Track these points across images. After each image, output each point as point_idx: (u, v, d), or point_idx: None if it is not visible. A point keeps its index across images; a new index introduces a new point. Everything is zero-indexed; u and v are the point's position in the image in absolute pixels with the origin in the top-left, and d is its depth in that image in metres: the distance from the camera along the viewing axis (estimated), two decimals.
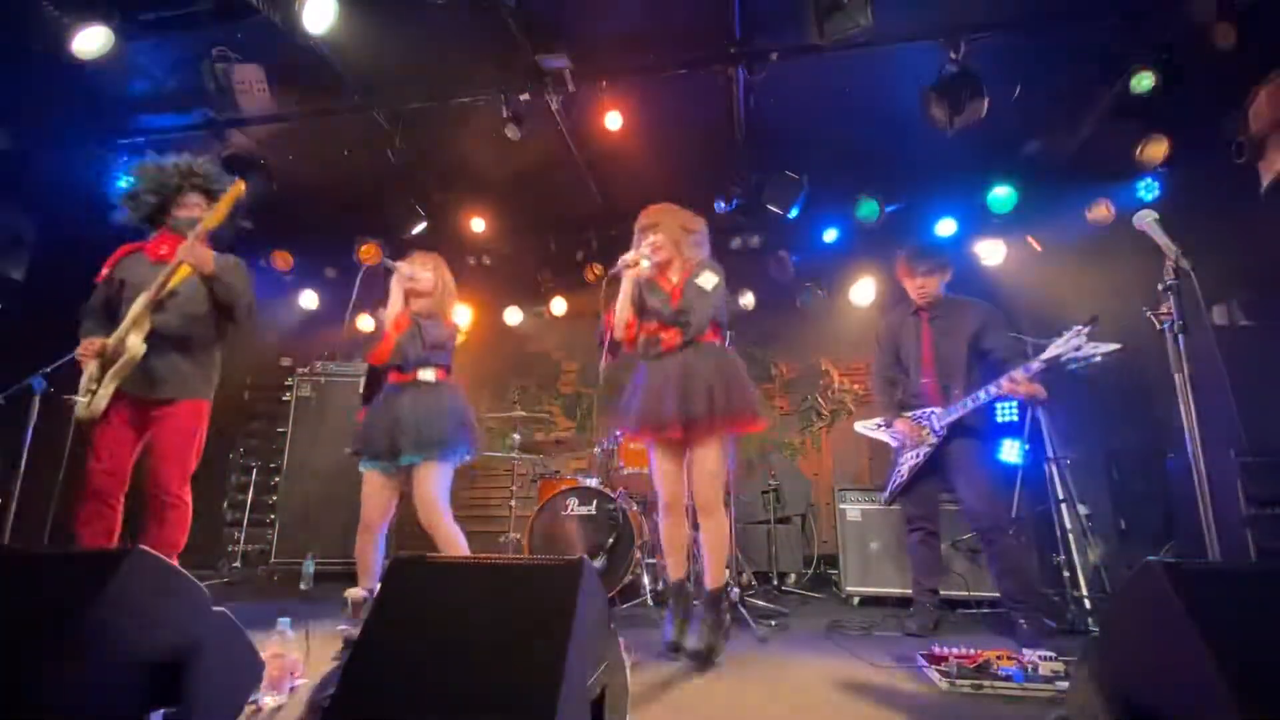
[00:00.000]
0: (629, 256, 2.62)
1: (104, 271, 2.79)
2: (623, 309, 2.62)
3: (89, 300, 2.79)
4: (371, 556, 2.80)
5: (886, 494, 3.37)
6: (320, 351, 5.28)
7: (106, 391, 2.53)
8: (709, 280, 2.62)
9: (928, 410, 3.16)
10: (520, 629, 1.35)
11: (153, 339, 2.58)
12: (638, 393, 2.62)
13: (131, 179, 2.82)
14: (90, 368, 2.59)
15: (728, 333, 3.19)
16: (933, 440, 3.11)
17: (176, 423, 2.65)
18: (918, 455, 3.17)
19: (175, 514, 2.61)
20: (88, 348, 2.60)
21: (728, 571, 3.70)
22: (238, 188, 2.71)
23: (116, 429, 2.59)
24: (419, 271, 2.90)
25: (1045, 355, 2.86)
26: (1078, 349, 2.75)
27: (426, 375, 2.82)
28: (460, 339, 3.01)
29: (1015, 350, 3.13)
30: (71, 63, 3.08)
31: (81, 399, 2.55)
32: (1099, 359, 2.73)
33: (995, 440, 3.34)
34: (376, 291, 3.33)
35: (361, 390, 2.90)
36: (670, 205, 2.77)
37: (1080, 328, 2.76)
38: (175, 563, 2.75)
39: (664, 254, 2.66)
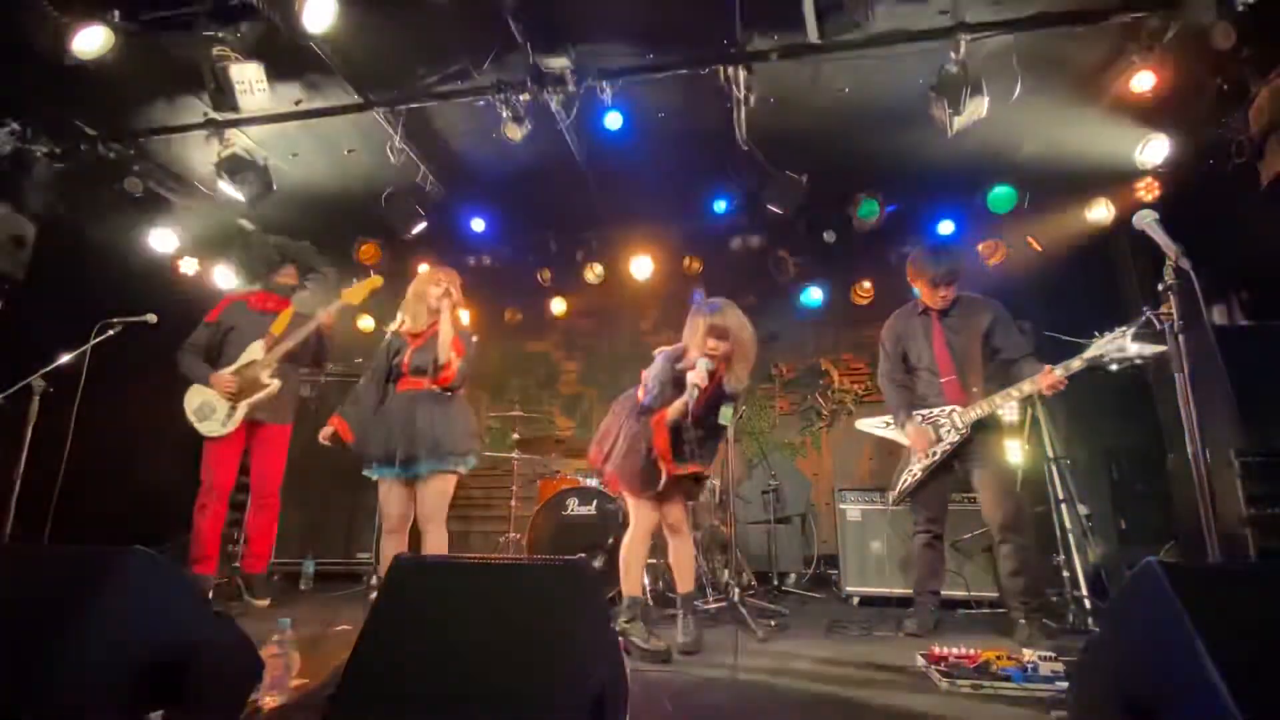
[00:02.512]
0: (699, 376, 2.61)
1: (213, 316, 3.55)
2: (675, 412, 2.71)
3: (191, 338, 3.50)
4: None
5: (895, 494, 3.27)
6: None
7: (239, 416, 3.33)
8: (725, 415, 2.75)
9: (947, 408, 3.10)
10: (520, 629, 1.35)
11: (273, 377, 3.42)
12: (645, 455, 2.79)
13: (246, 251, 3.75)
14: (208, 396, 3.37)
15: None
16: (954, 439, 3.06)
17: (273, 442, 3.51)
18: (934, 454, 3.11)
19: (270, 511, 3.55)
20: (228, 383, 3.34)
21: (727, 571, 3.74)
22: (375, 282, 3.50)
23: (228, 445, 3.37)
24: (453, 288, 3.03)
25: (1087, 354, 2.79)
26: (1121, 349, 2.70)
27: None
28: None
29: (1021, 350, 3.10)
30: (72, 62, 3.07)
31: (211, 423, 3.33)
32: (1140, 361, 2.67)
33: (1005, 439, 3.30)
34: (380, 295, 3.50)
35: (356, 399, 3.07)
36: (748, 327, 2.76)
37: (1125, 328, 2.69)
38: (271, 547, 3.52)
39: (720, 364, 2.70)
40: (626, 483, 2.83)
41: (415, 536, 2.95)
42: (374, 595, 2.86)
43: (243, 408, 3.33)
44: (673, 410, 2.72)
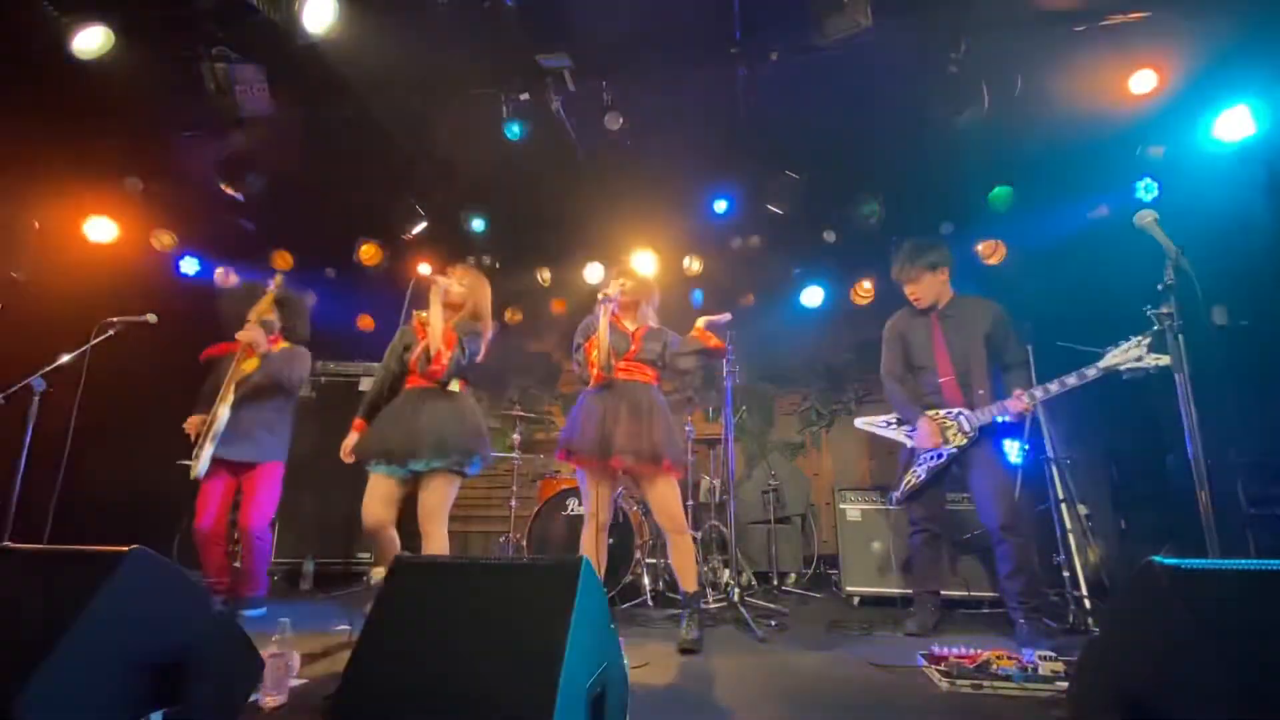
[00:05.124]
0: (610, 292, 2.90)
1: (204, 357, 3.59)
2: (603, 336, 2.84)
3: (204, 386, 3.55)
4: (391, 543, 2.82)
5: (899, 494, 3.24)
6: (321, 352, 5.27)
7: (205, 454, 3.23)
8: (663, 338, 3.03)
9: (956, 410, 3.09)
10: (520, 629, 1.35)
11: (237, 412, 3.30)
12: (584, 419, 2.86)
13: (232, 299, 3.73)
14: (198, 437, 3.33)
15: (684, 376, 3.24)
16: (961, 442, 3.05)
17: (257, 481, 3.43)
18: (940, 456, 3.10)
19: (258, 550, 3.39)
20: (191, 425, 3.39)
21: (727, 571, 3.74)
22: (269, 292, 3.51)
23: (213, 486, 3.35)
24: (453, 285, 3.01)
25: (1102, 363, 2.82)
26: (1138, 359, 2.72)
27: (452, 385, 2.92)
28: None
29: (1019, 356, 3.14)
30: (71, 62, 3.07)
31: (192, 462, 3.26)
32: (1155, 370, 2.69)
33: (1003, 438, 3.33)
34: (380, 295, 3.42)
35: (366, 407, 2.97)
36: (647, 271, 3.27)
37: (1140, 338, 2.73)
38: (262, 589, 3.40)
39: (630, 298, 3.01)
40: (576, 445, 2.82)
41: (411, 538, 2.93)
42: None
43: (208, 445, 3.23)
44: (599, 332, 2.84)
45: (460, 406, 2.90)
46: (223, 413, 3.26)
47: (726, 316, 3.03)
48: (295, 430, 3.68)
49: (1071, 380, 2.89)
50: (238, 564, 3.51)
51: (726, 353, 3.04)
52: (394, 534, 2.82)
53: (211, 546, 3.33)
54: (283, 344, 3.59)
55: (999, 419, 3.02)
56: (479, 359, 3.02)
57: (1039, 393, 2.95)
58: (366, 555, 4.47)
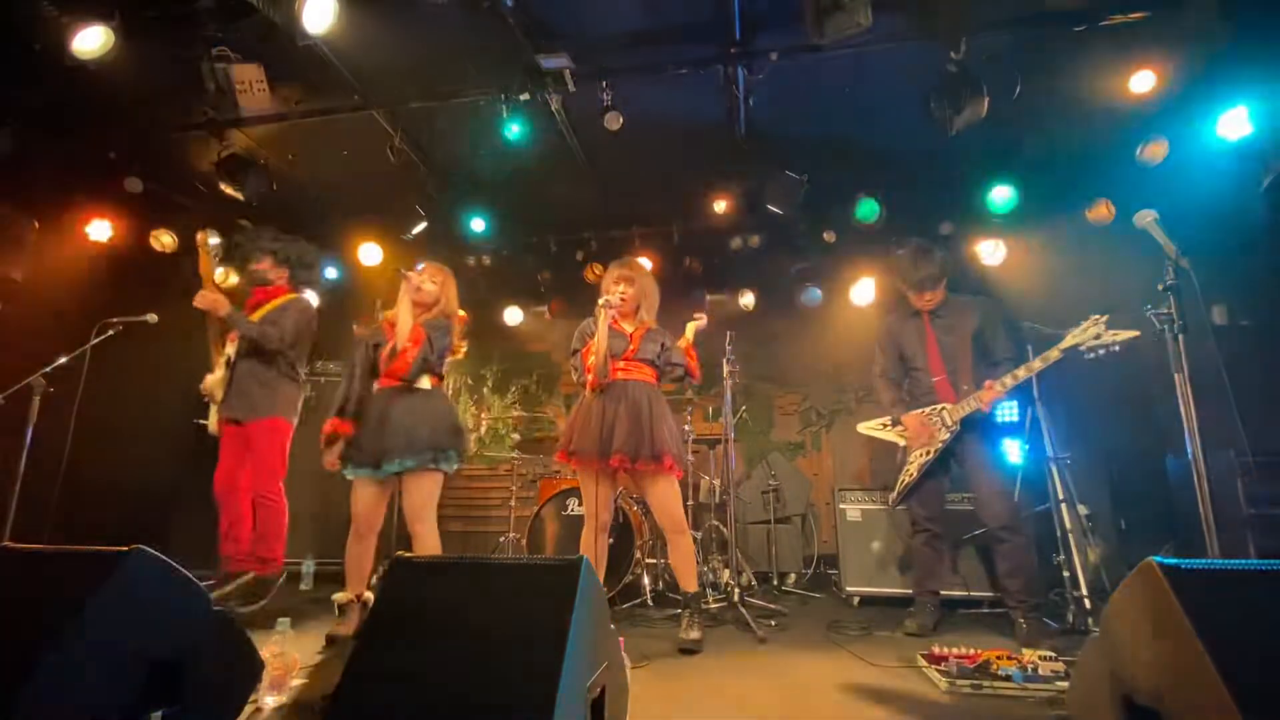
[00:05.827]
0: (610, 299, 2.93)
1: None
2: (601, 341, 2.85)
3: None
4: (364, 563, 2.80)
5: (895, 495, 3.28)
6: (321, 351, 5.27)
7: (213, 414, 3.36)
8: (661, 339, 3.05)
9: (939, 406, 3.14)
10: (520, 629, 1.35)
11: (235, 369, 3.34)
12: (585, 419, 2.87)
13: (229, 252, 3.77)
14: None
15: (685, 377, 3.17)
16: (945, 437, 3.09)
17: (257, 438, 3.35)
18: (928, 453, 3.14)
19: (266, 509, 3.33)
20: (205, 381, 3.42)
21: (727, 571, 3.74)
22: (201, 240, 3.42)
23: (226, 444, 3.38)
24: (424, 283, 2.96)
25: (1062, 344, 2.85)
26: (1097, 337, 2.76)
27: (422, 383, 2.86)
28: (459, 355, 3.06)
29: (1009, 352, 3.15)
30: (71, 62, 3.07)
31: (208, 421, 3.42)
32: (1117, 348, 2.73)
33: (1002, 438, 3.34)
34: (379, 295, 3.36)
35: (339, 404, 2.86)
36: (648, 271, 3.21)
37: (1098, 316, 2.77)
38: (280, 548, 3.37)
39: (629, 306, 3.02)
40: (576, 445, 2.83)
41: (404, 539, 2.90)
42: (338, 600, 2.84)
43: (212, 408, 3.36)
44: (597, 338, 2.85)
45: (431, 403, 2.85)
46: (216, 377, 3.35)
47: (703, 320, 3.17)
48: (295, 431, 3.64)
49: (1036, 365, 2.92)
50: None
51: (698, 378, 3.11)
52: (371, 550, 2.83)
53: (225, 502, 3.34)
54: (287, 295, 3.52)
55: (986, 411, 3.02)
56: (452, 355, 2.98)
57: (1009, 380, 2.97)
58: None
